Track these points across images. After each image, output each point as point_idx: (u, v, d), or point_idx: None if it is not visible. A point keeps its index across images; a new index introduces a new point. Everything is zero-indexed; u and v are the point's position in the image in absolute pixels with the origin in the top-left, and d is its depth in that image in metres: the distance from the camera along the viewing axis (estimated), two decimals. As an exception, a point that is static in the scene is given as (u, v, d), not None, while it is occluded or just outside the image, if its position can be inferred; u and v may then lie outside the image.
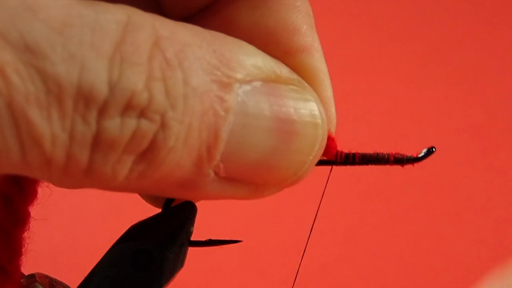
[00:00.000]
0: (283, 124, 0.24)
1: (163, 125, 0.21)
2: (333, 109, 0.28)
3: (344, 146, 0.29)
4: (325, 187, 0.30)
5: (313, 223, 0.31)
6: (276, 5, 0.27)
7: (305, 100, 0.25)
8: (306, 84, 0.26)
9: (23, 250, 0.26)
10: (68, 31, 0.19)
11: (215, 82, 0.22)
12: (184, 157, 0.22)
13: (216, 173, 0.23)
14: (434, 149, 0.28)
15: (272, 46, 0.26)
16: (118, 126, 0.20)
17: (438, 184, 0.86)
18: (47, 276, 0.30)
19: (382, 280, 0.78)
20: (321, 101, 0.26)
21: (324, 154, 0.28)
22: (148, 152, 0.21)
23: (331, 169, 0.30)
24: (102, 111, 0.20)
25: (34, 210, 0.31)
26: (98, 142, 0.20)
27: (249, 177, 0.24)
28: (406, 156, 0.28)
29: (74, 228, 0.70)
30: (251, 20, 0.27)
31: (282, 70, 0.25)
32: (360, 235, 0.82)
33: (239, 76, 0.23)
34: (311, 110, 0.25)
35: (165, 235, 0.28)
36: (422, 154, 0.28)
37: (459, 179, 0.86)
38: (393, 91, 0.93)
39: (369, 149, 0.29)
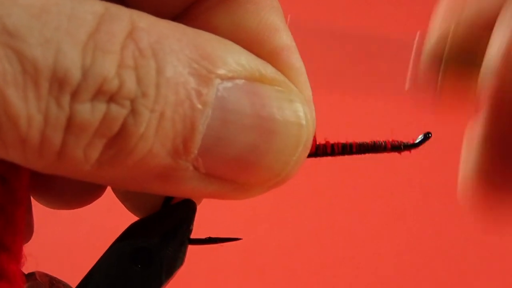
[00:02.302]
0: (265, 122, 0.24)
1: (133, 111, 0.21)
2: (312, 109, 0.28)
3: (342, 138, 0.29)
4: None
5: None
6: (255, 6, 0.27)
7: (290, 100, 0.25)
8: (292, 86, 0.26)
9: (22, 229, 0.27)
10: (45, 17, 0.20)
11: (193, 75, 0.22)
12: (157, 146, 0.22)
13: (195, 168, 0.23)
14: (430, 135, 0.28)
15: (254, 47, 0.26)
16: (89, 110, 0.21)
17: (436, 182, 0.86)
18: (47, 275, 0.30)
19: (381, 279, 0.78)
20: None
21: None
22: (119, 137, 0.21)
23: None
24: (75, 95, 0.20)
25: (34, 209, 0.31)
26: (71, 125, 0.21)
27: (230, 174, 0.24)
28: (403, 142, 0.28)
29: (74, 226, 0.70)
30: (231, 23, 0.27)
31: (268, 70, 0.25)
32: (359, 231, 0.82)
33: (220, 71, 0.23)
34: (295, 111, 0.25)
35: (164, 233, 0.28)
36: (419, 140, 0.28)
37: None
38: (393, 89, 0.93)
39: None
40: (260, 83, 0.24)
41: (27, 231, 0.29)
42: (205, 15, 0.27)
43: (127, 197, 0.31)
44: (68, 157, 0.21)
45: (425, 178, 0.85)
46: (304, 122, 0.25)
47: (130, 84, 0.21)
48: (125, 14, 0.22)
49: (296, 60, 0.27)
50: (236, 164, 0.24)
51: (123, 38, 0.21)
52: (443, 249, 0.80)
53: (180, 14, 0.28)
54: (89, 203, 0.33)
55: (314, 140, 0.28)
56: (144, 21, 0.22)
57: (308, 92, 0.28)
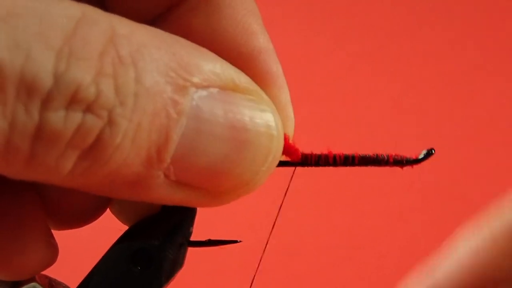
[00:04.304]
0: (237, 132, 0.24)
1: (110, 122, 0.21)
2: (291, 113, 0.28)
3: (343, 147, 0.29)
4: (287, 189, 0.30)
5: (274, 223, 0.30)
6: (231, 10, 0.27)
7: (261, 110, 0.25)
8: (264, 96, 0.26)
9: None
10: (14, 20, 0.19)
11: (170, 84, 0.22)
12: (131, 156, 0.22)
13: (166, 176, 0.23)
14: (433, 151, 0.28)
15: (231, 51, 0.26)
16: (62, 119, 0.20)
17: (434, 185, 0.85)
18: (46, 276, 0.30)
19: (382, 279, 0.78)
20: (279, 104, 0.27)
21: (289, 157, 0.28)
22: (94, 148, 0.21)
23: (294, 171, 0.30)
24: (46, 103, 0.20)
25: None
26: (41, 134, 0.20)
27: (200, 182, 0.24)
28: (406, 157, 0.28)
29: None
30: (208, 27, 0.27)
31: (241, 79, 0.25)
32: (354, 237, 0.82)
33: (195, 80, 0.23)
34: (267, 121, 0.25)
35: (164, 235, 0.28)
36: (422, 155, 0.28)
37: (457, 181, 0.86)
38: (393, 92, 0.93)
39: (368, 151, 0.29)
40: (233, 92, 0.24)
41: (50, 253, 0.29)
42: (183, 19, 0.27)
43: (120, 211, 0.31)
44: (39, 166, 0.21)
45: (426, 178, 0.85)
46: (275, 132, 0.25)
47: (108, 93, 0.20)
48: (104, 19, 0.21)
49: (273, 63, 0.27)
50: (207, 172, 0.24)
51: (102, 44, 0.20)
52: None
53: (157, 17, 0.28)
54: (91, 222, 0.32)
55: (292, 148, 0.28)
56: (124, 27, 0.21)
57: (286, 95, 0.28)
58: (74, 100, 0.20)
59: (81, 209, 0.31)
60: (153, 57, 0.21)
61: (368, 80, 0.94)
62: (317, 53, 0.95)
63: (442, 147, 0.89)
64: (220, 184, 0.25)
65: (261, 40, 0.27)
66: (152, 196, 0.24)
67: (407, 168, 0.29)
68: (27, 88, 0.19)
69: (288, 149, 0.28)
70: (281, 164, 0.29)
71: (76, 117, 0.20)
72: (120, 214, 0.31)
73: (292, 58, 0.92)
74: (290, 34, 0.96)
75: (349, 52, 0.96)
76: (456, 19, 0.99)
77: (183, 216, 0.29)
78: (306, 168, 0.29)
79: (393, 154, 0.28)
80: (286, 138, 0.27)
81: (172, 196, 0.24)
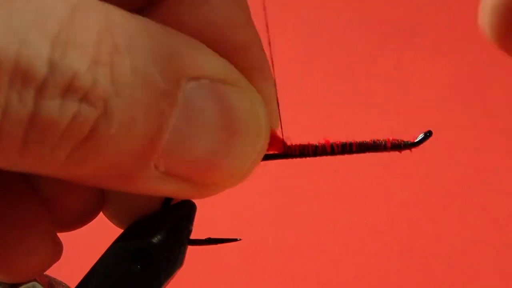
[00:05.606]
0: (226, 123, 0.24)
1: (106, 112, 0.20)
2: (275, 106, 0.28)
3: (343, 136, 0.28)
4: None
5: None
6: (220, 2, 0.26)
7: (250, 102, 0.25)
8: (253, 88, 0.26)
9: None
10: (9, 7, 0.19)
11: (162, 75, 0.22)
12: (125, 147, 0.21)
13: (156, 167, 0.23)
14: (431, 133, 0.28)
15: (220, 43, 0.26)
16: (57, 108, 0.19)
17: (432, 182, 0.85)
18: (46, 276, 0.30)
19: (382, 279, 0.78)
20: (265, 97, 0.27)
21: (274, 148, 0.28)
22: (89, 138, 0.21)
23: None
24: (41, 90, 0.19)
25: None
26: (35, 122, 0.19)
27: (189, 174, 0.24)
28: (403, 141, 0.28)
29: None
30: (197, 19, 0.26)
31: (231, 72, 0.25)
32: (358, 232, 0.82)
33: (187, 71, 0.23)
34: (255, 113, 0.25)
35: (164, 233, 0.28)
36: (420, 138, 0.28)
37: (458, 177, 0.86)
38: (392, 87, 0.93)
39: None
40: (223, 84, 0.24)
41: (57, 252, 0.29)
42: (171, 10, 0.27)
43: (114, 214, 0.31)
44: (33, 156, 0.20)
45: (425, 178, 0.85)
46: (263, 124, 0.25)
47: (104, 82, 0.20)
48: (99, 7, 0.21)
49: (260, 56, 0.27)
50: (196, 164, 0.24)
51: (98, 32, 0.20)
52: (443, 249, 0.80)
53: (144, 9, 0.28)
54: (86, 224, 0.32)
55: (281, 141, 0.28)
56: (120, 16, 0.21)
57: (271, 88, 0.28)
58: (70, 89, 0.20)
59: (74, 210, 0.31)
60: (148, 47, 0.21)
61: (367, 79, 0.94)
62: (316, 51, 0.95)
63: (442, 146, 0.89)
64: (208, 176, 0.25)
65: (249, 33, 0.27)
66: (141, 187, 0.24)
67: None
68: (21, 75, 0.19)
69: (272, 141, 0.27)
70: (278, 157, 0.28)
71: (72, 106, 0.20)
72: (113, 217, 0.31)
73: (290, 56, 0.92)
74: (289, 33, 0.96)
75: (348, 52, 0.96)
76: (455, 19, 0.99)
77: (182, 214, 0.29)
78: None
79: (391, 138, 0.28)
80: (271, 131, 0.27)
81: (160, 187, 0.24)
